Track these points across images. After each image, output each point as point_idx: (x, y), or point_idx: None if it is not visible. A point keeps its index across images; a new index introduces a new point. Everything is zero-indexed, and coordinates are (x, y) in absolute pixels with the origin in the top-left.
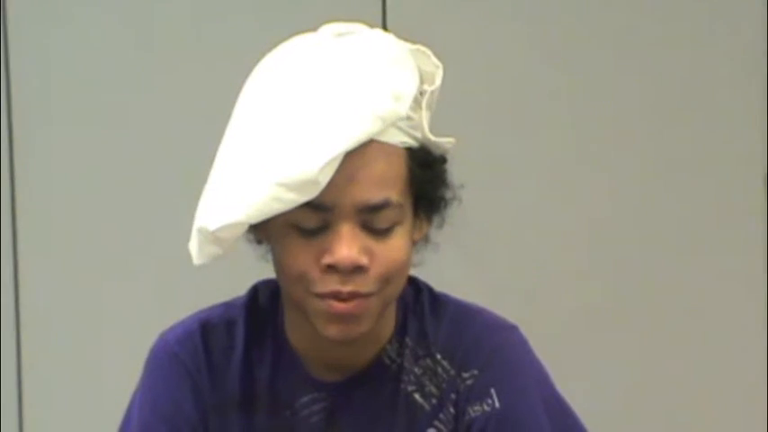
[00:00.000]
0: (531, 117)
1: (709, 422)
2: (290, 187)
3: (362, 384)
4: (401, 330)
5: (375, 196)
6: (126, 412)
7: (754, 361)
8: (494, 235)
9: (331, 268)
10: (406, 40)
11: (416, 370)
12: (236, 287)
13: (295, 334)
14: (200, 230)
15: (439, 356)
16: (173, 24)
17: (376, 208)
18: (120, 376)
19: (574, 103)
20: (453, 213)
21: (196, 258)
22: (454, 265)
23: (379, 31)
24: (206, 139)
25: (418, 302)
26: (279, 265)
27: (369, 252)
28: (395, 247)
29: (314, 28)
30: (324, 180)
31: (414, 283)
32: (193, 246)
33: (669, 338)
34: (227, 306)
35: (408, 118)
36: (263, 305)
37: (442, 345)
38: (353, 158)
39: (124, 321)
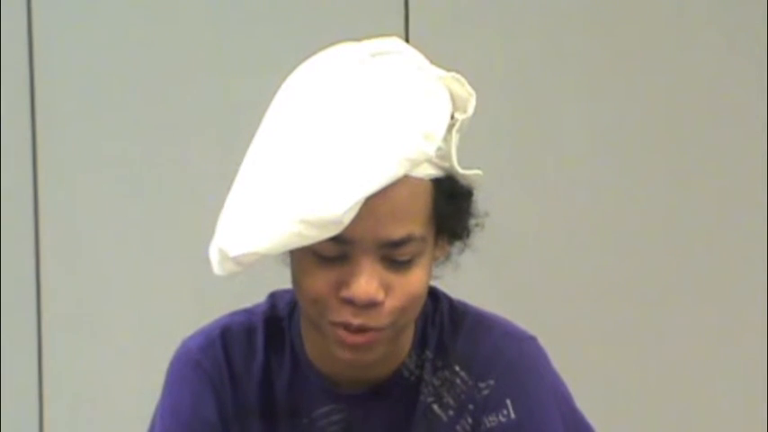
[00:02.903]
0: (548, 124)
1: (709, 423)
2: (313, 225)
3: (381, 397)
4: (421, 343)
5: (397, 232)
6: (150, 422)
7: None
8: (512, 241)
9: (347, 300)
10: (427, 50)
11: (435, 381)
12: (258, 290)
13: (312, 347)
14: (221, 251)
15: (457, 368)
16: (198, 30)
17: (398, 243)
18: (142, 382)
19: (592, 113)
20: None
21: (216, 270)
22: (473, 271)
23: (413, 53)
24: (231, 145)
25: (437, 313)
26: (296, 284)
27: (386, 286)
28: (413, 279)
29: (336, 38)
30: (347, 220)
31: (433, 293)
32: (213, 257)
33: (689, 347)
34: (247, 313)
35: (437, 148)
36: (282, 314)
37: (460, 355)
38: (377, 194)
39: (145, 326)
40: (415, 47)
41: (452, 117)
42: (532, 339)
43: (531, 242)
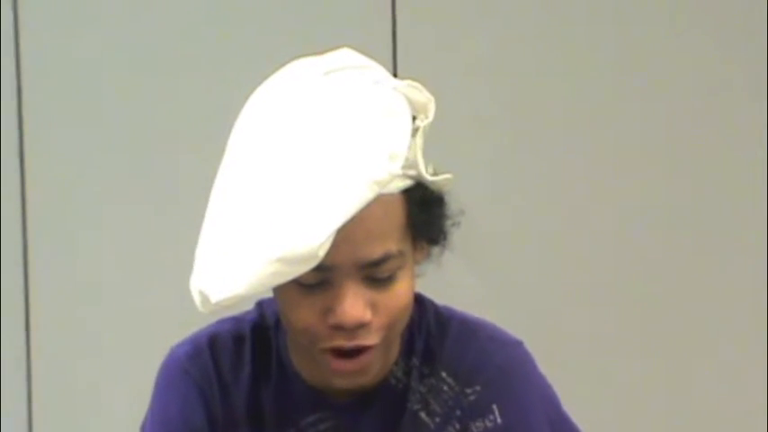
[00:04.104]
0: (539, 130)
1: (710, 424)
2: (290, 262)
3: (369, 405)
4: (408, 350)
5: (375, 252)
6: (140, 430)
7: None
8: (499, 243)
9: (336, 326)
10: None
11: (422, 389)
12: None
13: (299, 359)
14: (201, 293)
15: (444, 374)
16: (186, 32)
17: (377, 263)
18: (132, 385)
19: (586, 119)
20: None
21: (199, 308)
22: (459, 273)
23: (366, 64)
24: (223, 146)
25: (423, 320)
26: (283, 314)
27: (372, 304)
28: (398, 293)
29: (322, 45)
30: (323, 252)
31: (418, 299)
32: (195, 296)
33: (681, 352)
34: (235, 321)
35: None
36: (269, 323)
37: (447, 362)
38: (350, 219)
39: (136, 328)
40: (403, 48)
41: (414, 123)
42: (519, 344)
43: (523, 244)
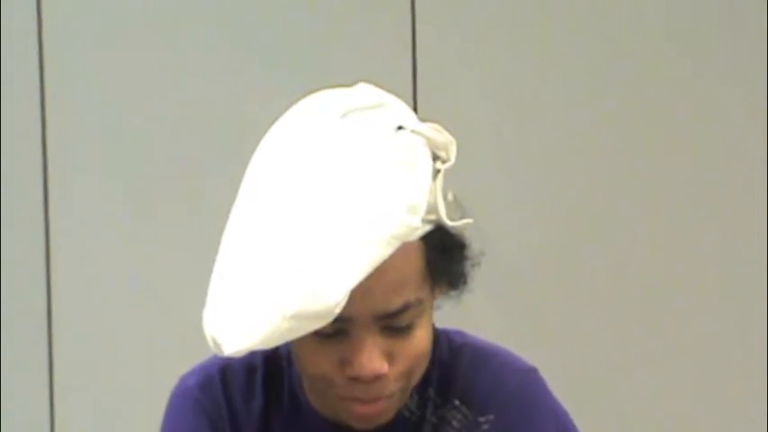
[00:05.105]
0: (558, 154)
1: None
2: (305, 318)
3: None
4: (423, 382)
5: (393, 303)
6: None
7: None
8: (515, 271)
9: (353, 378)
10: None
11: (434, 419)
12: None
13: (313, 397)
14: (215, 341)
15: (457, 402)
16: (211, 37)
17: (395, 313)
18: (151, 392)
19: (602, 145)
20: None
21: (213, 350)
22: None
23: (385, 104)
24: (243, 155)
25: (437, 352)
26: (298, 360)
27: (390, 354)
28: (416, 341)
29: (346, 75)
30: (339, 309)
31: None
32: (209, 340)
33: (690, 377)
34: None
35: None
36: (281, 354)
37: (460, 390)
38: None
39: (154, 333)
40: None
41: (435, 164)
42: (533, 371)
43: (532, 261)
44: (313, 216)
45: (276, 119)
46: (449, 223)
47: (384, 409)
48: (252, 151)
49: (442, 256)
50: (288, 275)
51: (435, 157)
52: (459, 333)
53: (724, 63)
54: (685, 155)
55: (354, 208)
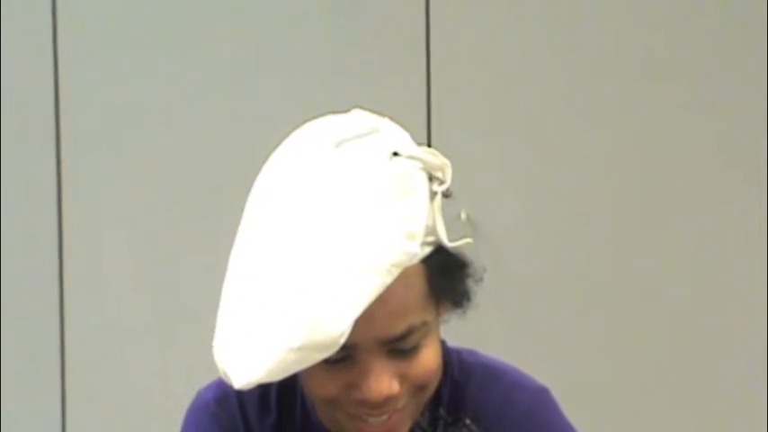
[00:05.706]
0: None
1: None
2: (310, 350)
3: None
4: (434, 400)
5: (398, 328)
6: None
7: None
8: (526, 279)
9: (362, 402)
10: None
11: None
12: None
13: (324, 416)
14: (225, 374)
15: (468, 420)
16: (228, 46)
17: (400, 338)
18: (167, 397)
19: (616, 160)
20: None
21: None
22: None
23: (379, 130)
24: (258, 159)
25: (448, 370)
26: (305, 384)
27: (398, 375)
28: (424, 360)
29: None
30: (344, 339)
31: (442, 348)
32: (220, 370)
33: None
34: None
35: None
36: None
37: (471, 409)
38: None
39: (169, 337)
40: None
41: (431, 187)
42: (543, 390)
43: (550, 280)
44: (313, 248)
45: (290, 123)
46: (448, 244)
47: (395, 426)
48: (264, 155)
49: (444, 276)
50: (291, 308)
51: (432, 178)
52: (472, 353)
53: (725, 63)
54: (691, 159)
55: (354, 238)
